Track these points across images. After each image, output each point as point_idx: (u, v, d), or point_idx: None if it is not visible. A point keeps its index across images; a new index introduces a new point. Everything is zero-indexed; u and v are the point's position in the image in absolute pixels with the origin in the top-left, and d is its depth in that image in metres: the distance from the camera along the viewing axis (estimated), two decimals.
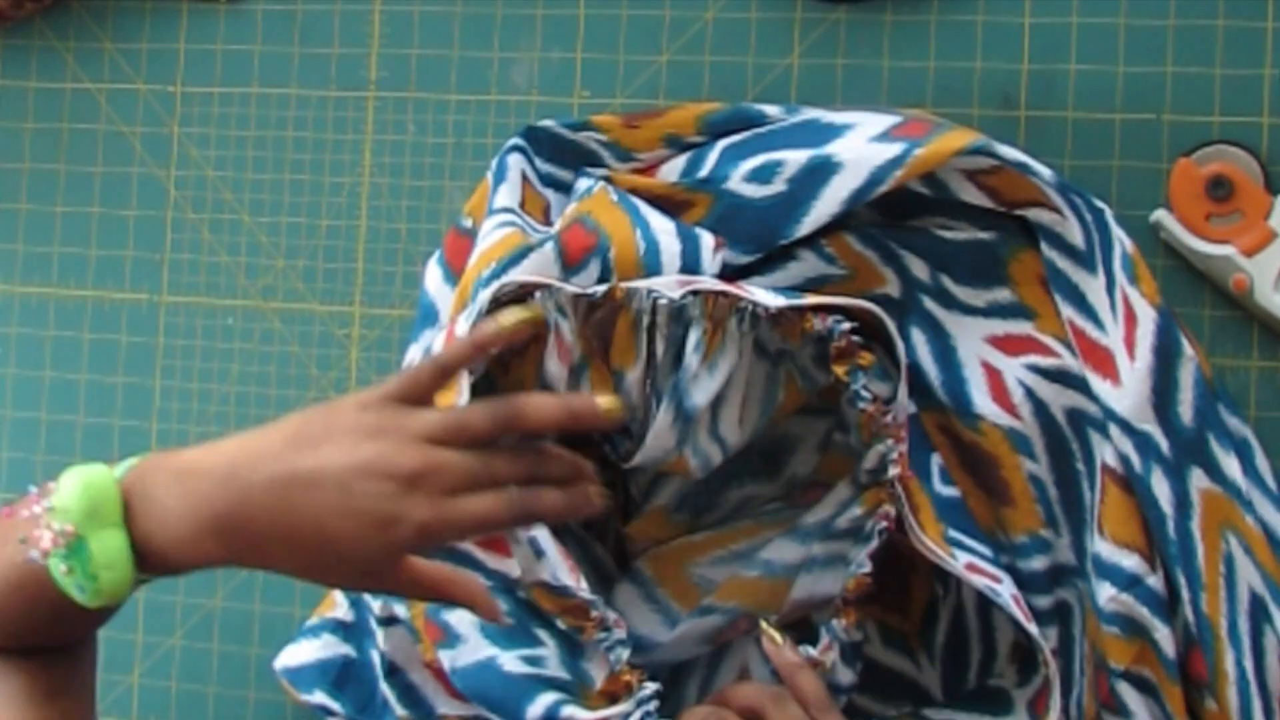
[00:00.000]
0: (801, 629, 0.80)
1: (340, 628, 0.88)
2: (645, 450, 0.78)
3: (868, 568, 0.76)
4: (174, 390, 0.96)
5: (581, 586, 0.77)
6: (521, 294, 0.77)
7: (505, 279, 0.76)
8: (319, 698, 0.87)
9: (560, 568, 0.77)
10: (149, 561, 0.68)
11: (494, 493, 0.66)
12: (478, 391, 0.75)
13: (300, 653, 0.88)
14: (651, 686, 0.76)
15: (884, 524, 0.76)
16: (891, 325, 0.77)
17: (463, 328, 0.76)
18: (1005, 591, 0.76)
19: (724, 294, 0.76)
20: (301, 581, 0.69)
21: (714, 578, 0.83)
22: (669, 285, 0.77)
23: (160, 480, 0.69)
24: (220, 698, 0.94)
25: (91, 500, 0.68)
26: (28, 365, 0.98)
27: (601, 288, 0.77)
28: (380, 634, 0.84)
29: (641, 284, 0.77)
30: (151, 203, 0.97)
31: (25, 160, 0.99)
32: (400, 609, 0.82)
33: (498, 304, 0.76)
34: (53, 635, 0.74)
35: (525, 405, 0.68)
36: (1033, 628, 0.75)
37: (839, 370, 0.76)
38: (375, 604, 0.84)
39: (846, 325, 0.76)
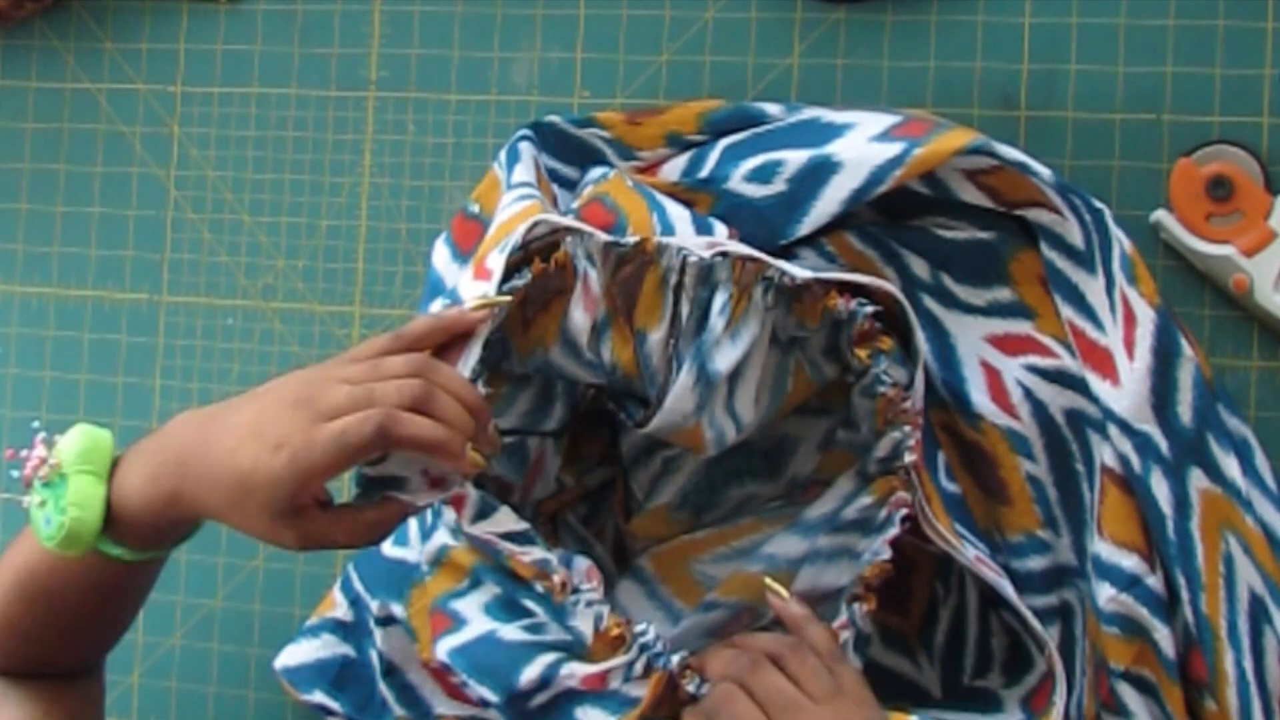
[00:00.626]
0: None
1: (339, 627, 0.88)
2: (664, 413, 0.78)
3: (887, 554, 0.75)
4: (174, 390, 0.96)
5: (537, 551, 0.76)
6: (554, 241, 0.76)
7: (540, 218, 0.76)
8: (318, 697, 0.87)
9: (507, 518, 0.76)
10: (114, 514, 0.72)
11: (359, 415, 0.67)
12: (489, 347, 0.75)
13: (299, 652, 0.88)
14: (650, 630, 0.75)
15: (904, 510, 0.75)
16: (911, 312, 0.77)
17: (495, 260, 0.75)
18: (1008, 586, 0.76)
19: (752, 259, 0.75)
20: (226, 525, 0.70)
21: (716, 574, 0.83)
22: (698, 246, 0.76)
23: (147, 436, 0.74)
24: (220, 698, 0.94)
25: (84, 446, 0.72)
26: (28, 365, 0.98)
27: (633, 239, 0.76)
28: (378, 634, 0.84)
29: (673, 241, 0.76)
30: (151, 203, 0.97)
31: (25, 160, 0.99)
32: (398, 609, 0.82)
33: (525, 253, 0.76)
34: (64, 638, 0.78)
35: (406, 331, 0.72)
36: (1036, 623, 0.75)
37: (861, 353, 0.76)
38: (374, 604, 0.85)
39: (870, 309, 0.76)
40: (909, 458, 0.75)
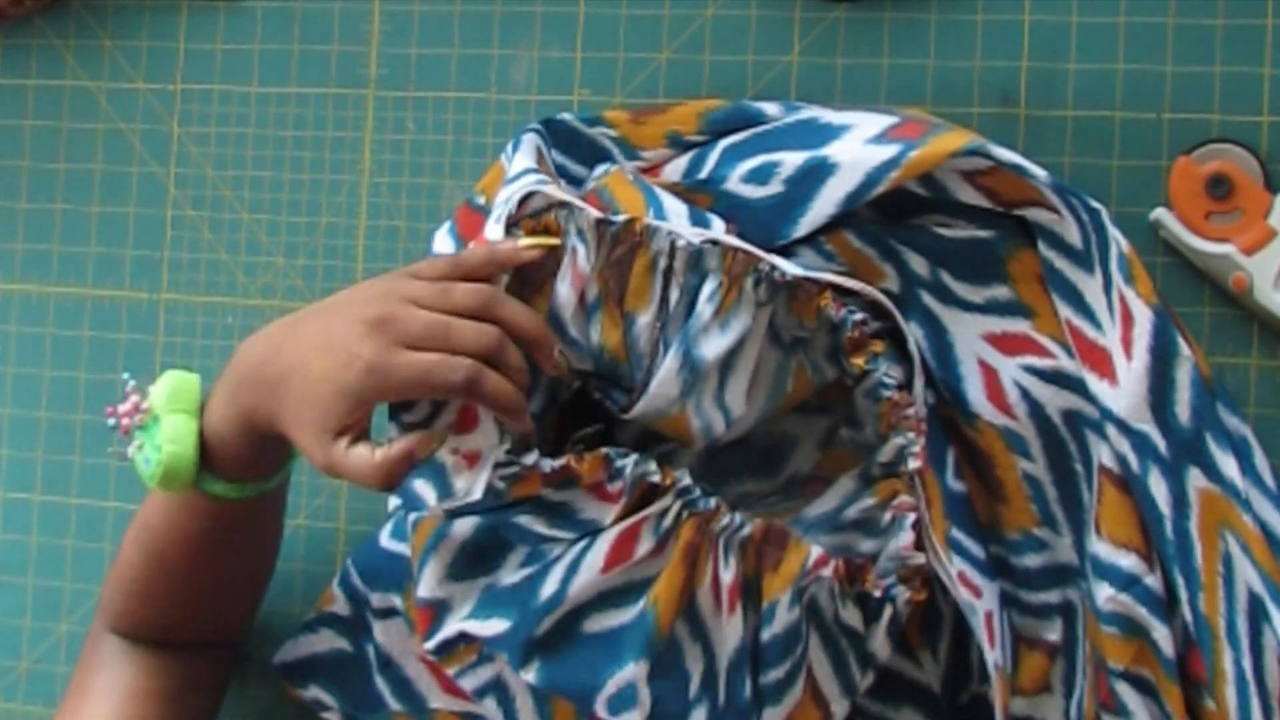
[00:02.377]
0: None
1: (338, 622, 0.88)
2: (648, 398, 0.78)
3: (922, 559, 0.75)
4: None
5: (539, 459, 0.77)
6: (545, 213, 0.78)
7: (533, 187, 0.78)
8: (314, 692, 0.87)
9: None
10: (208, 451, 0.77)
11: (447, 356, 0.72)
12: None
13: (299, 647, 0.88)
14: (685, 478, 0.76)
15: (911, 515, 0.75)
16: (901, 319, 0.77)
17: (492, 230, 0.77)
18: (981, 608, 0.75)
19: (744, 251, 0.76)
20: (288, 430, 0.74)
21: None
22: (692, 232, 0.77)
23: (232, 358, 0.78)
24: None
25: (173, 389, 0.78)
26: (27, 363, 0.98)
27: (623, 217, 0.77)
28: (377, 626, 0.85)
29: (664, 225, 0.77)
30: (151, 201, 0.97)
31: (25, 158, 0.99)
32: (397, 600, 0.82)
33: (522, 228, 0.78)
34: (181, 599, 0.83)
35: (463, 259, 0.77)
36: (992, 655, 0.75)
37: (858, 361, 0.76)
38: (374, 596, 0.85)
39: (859, 316, 0.76)
40: (913, 464, 0.75)
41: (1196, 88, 0.83)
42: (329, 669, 0.87)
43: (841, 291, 0.77)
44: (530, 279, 0.78)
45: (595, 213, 0.77)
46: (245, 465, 0.77)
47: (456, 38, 0.93)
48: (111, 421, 0.78)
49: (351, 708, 0.87)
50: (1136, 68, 0.84)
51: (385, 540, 0.85)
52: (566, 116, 0.87)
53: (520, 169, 0.81)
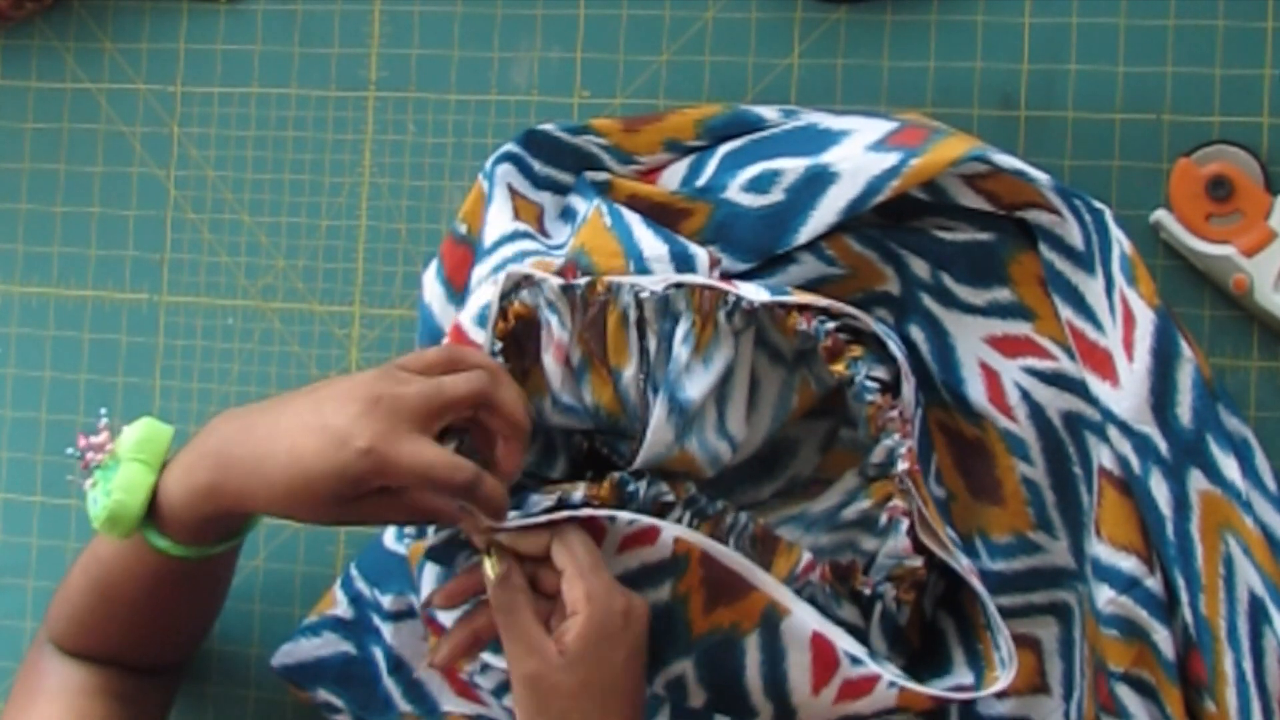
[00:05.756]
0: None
1: (340, 625, 0.88)
2: (646, 447, 0.78)
3: (919, 561, 0.76)
4: (174, 390, 0.96)
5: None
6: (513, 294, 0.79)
7: (505, 269, 0.78)
8: (323, 695, 0.87)
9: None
10: (159, 509, 0.75)
11: (452, 455, 0.71)
12: None
13: (299, 650, 0.88)
14: (692, 489, 0.78)
15: (904, 519, 0.76)
16: (876, 326, 0.77)
17: (471, 330, 0.78)
18: (990, 598, 0.76)
19: (708, 287, 0.76)
20: (270, 515, 0.73)
21: None
22: (654, 282, 0.77)
23: (198, 432, 0.76)
24: (220, 697, 0.94)
25: (142, 437, 0.76)
26: (28, 365, 0.98)
27: (585, 280, 0.77)
28: (388, 629, 0.85)
29: (625, 279, 0.77)
30: (151, 203, 0.97)
31: (25, 160, 0.99)
32: (416, 601, 0.82)
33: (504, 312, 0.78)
34: (125, 633, 0.82)
35: (485, 372, 0.74)
36: (1006, 639, 0.75)
37: (838, 368, 0.77)
38: (386, 599, 0.85)
39: (831, 325, 0.77)
40: (902, 466, 0.76)
41: (1197, 89, 0.83)
42: (334, 672, 0.87)
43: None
44: (532, 352, 0.79)
45: (558, 281, 0.77)
46: (191, 532, 0.75)
47: (457, 39, 0.93)
48: (72, 451, 0.77)
49: (359, 710, 0.87)
50: (1137, 70, 0.84)
51: (389, 542, 0.85)
52: (548, 127, 0.86)
53: (496, 237, 0.82)
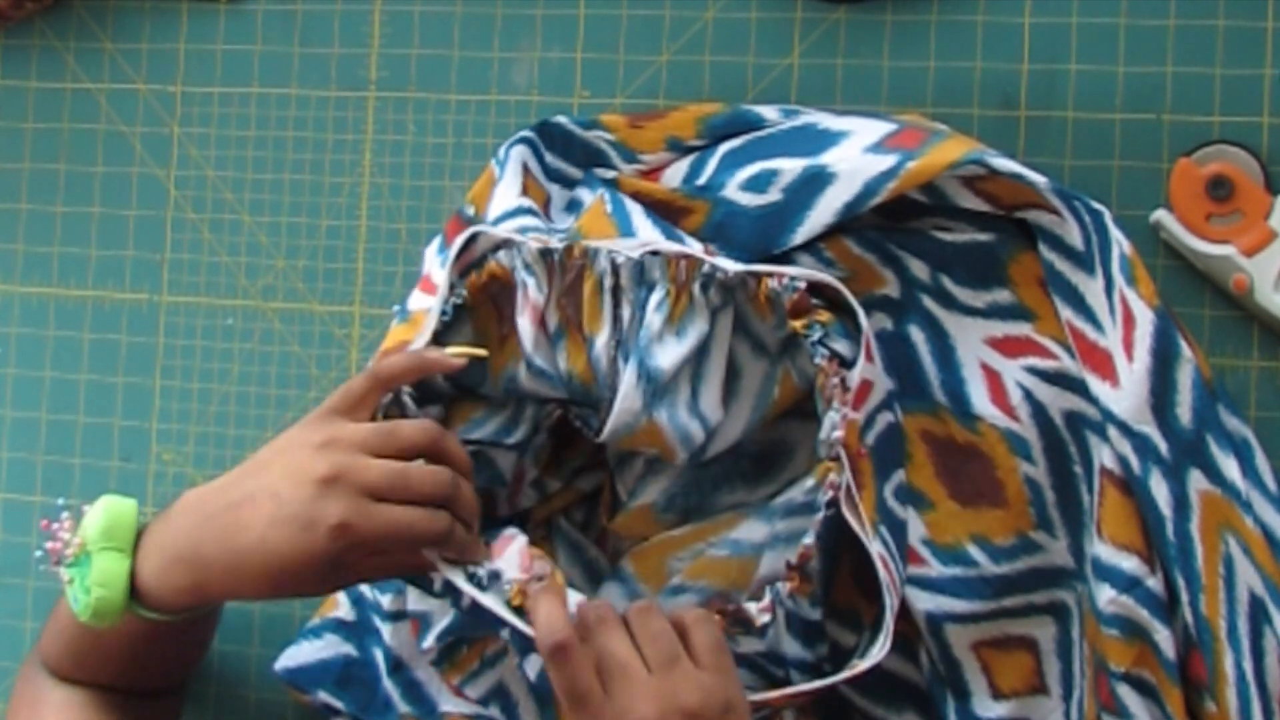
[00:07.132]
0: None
1: (342, 627, 0.88)
2: (615, 415, 0.78)
3: (810, 539, 0.74)
4: (174, 390, 0.96)
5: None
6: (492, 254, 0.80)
7: (477, 229, 0.79)
8: (323, 697, 0.87)
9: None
10: (141, 591, 0.74)
11: (426, 510, 0.71)
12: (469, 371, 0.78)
13: (301, 653, 0.88)
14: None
15: (830, 493, 0.74)
16: (849, 295, 0.77)
17: (438, 274, 0.79)
18: (895, 596, 0.75)
19: (684, 255, 0.77)
20: (273, 601, 0.73)
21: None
22: (630, 247, 0.78)
23: (162, 515, 0.75)
24: (220, 698, 0.94)
25: (107, 524, 0.74)
26: (28, 365, 0.98)
27: (562, 243, 0.78)
28: (387, 629, 0.85)
29: (603, 244, 0.78)
30: (151, 203, 0.97)
31: (25, 160, 0.99)
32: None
33: (480, 262, 0.79)
34: (121, 678, 0.82)
35: (383, 371, 0.76)
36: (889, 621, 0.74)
37: (797, 325, 0.76)
38: (384, 599, 0.85)
39: (802, 284, 0.76)
40: (835, 434, 0.75)
41: (1197, 89, 0.83)
42: (335, 674, 0.87)
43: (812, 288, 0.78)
44: (510, 317, 0.80)
45: (535, 244, 0.78)
46: (177, 610, 0.75)
47: (457, 39, 0.93)
48: (39, 554, 0.76)
49: (359, 712, 0.87)
50: (1137, 69, 0.84)
51: None
52: (562, 119, 0.87)
53: (500, 211, 0.82)
